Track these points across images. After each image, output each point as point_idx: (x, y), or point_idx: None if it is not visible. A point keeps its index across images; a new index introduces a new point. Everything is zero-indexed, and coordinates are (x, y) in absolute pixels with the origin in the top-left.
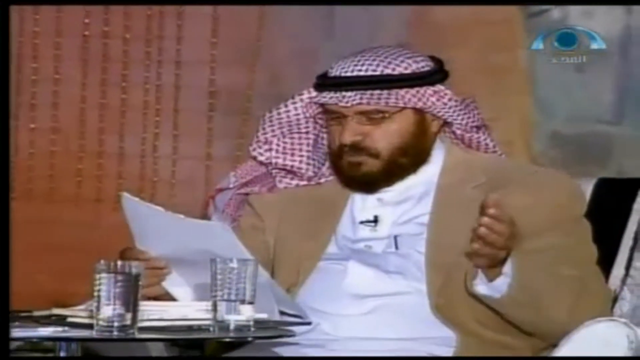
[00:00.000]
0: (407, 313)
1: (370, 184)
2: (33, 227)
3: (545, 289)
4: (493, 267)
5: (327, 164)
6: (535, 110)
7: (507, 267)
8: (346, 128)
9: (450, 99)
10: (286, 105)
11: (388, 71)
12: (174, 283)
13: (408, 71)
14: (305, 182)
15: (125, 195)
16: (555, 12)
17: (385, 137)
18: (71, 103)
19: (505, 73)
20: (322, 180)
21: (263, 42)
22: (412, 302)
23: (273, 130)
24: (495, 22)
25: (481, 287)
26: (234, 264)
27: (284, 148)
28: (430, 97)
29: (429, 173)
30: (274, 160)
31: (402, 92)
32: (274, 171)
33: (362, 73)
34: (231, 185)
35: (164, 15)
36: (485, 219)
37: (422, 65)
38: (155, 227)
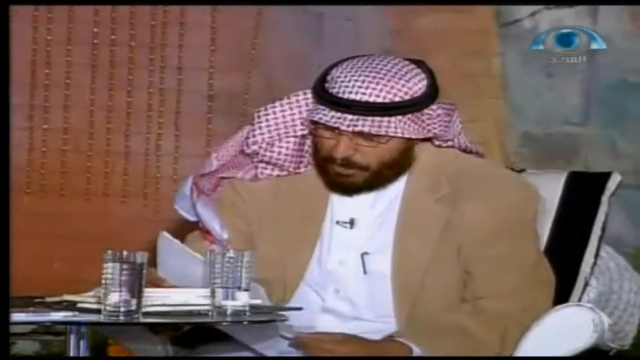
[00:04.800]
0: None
1: (353, 191)
2: (46, 219)
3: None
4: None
5: (308, 151)
6: (508, 113)
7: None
8: (341, 143)
9: (440, 120)
10: (282, 105)
11: (390, 97)
12: None
13: (407, 97)
14: (285, 173)
15: (164, 234)
16: (527, 21)
17: (376, 154)
18: (81, 106)
19: (480, 78)
20: (302, 169)
21: (258, 49)
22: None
23: (268, 128)
24: (472, 31)
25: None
26: (231, 254)
27: (272, 145)
28: (425, 120)
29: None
30: (261, 154)
31: (399, 117)
32: (257, 163)
33: (365, 98)
34: (213, 168)
35: (166, 24)
36: None
37: (419, 87)
38: (180, 266)
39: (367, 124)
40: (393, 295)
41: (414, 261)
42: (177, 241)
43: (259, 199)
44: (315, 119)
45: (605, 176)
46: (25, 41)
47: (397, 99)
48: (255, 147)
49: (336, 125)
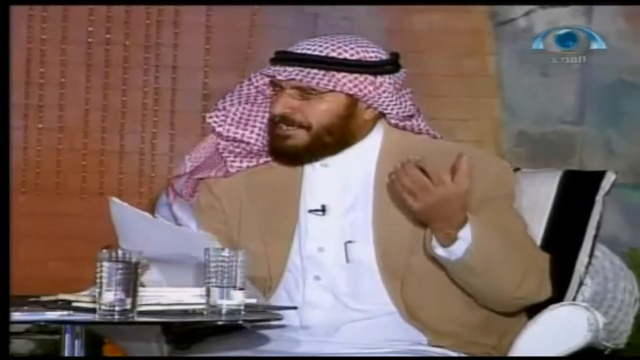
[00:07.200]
0: (375, 334)
1: (293, 156)
2: (42, 218)
3: (498, 258)
4: (441, 229)
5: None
6: (503, 112)
7: (465, 232)
8: (279, 100)
9: (385, 91)
10: (249, 79)
11: (333, 54)
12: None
13: (353, 58)
14: (254, 162)
15: (114, 199)
16: (522, 21)
17: (313, 114)
18: (76, 105)
19: (476, 77)
20: (270, 158)
21: (252, 49)
22: (378, 324)
23: (232, 100)
24: (467, 30)
25: (438, 249)
26: (226, 253)
27: (240, 118)
28: (368, 86)
29: (368, 157)
30: (227, 127)
31: (339, 75)
32: (223, 153)
33: (309, 52)
34: (188, 170)
35: (161, 23)
36: (399, 166)
37: (372, 55)
38: (139, 230)
39: (301, 74)
40: (384, 282)
41: (397, 244)
42: (127, 204)
43: (234, 195)
44: (260, 71)
45: (599, 175)
46: (20, 40)
47: (340, 57)
48: (220, 122)
49: (273, 74)
